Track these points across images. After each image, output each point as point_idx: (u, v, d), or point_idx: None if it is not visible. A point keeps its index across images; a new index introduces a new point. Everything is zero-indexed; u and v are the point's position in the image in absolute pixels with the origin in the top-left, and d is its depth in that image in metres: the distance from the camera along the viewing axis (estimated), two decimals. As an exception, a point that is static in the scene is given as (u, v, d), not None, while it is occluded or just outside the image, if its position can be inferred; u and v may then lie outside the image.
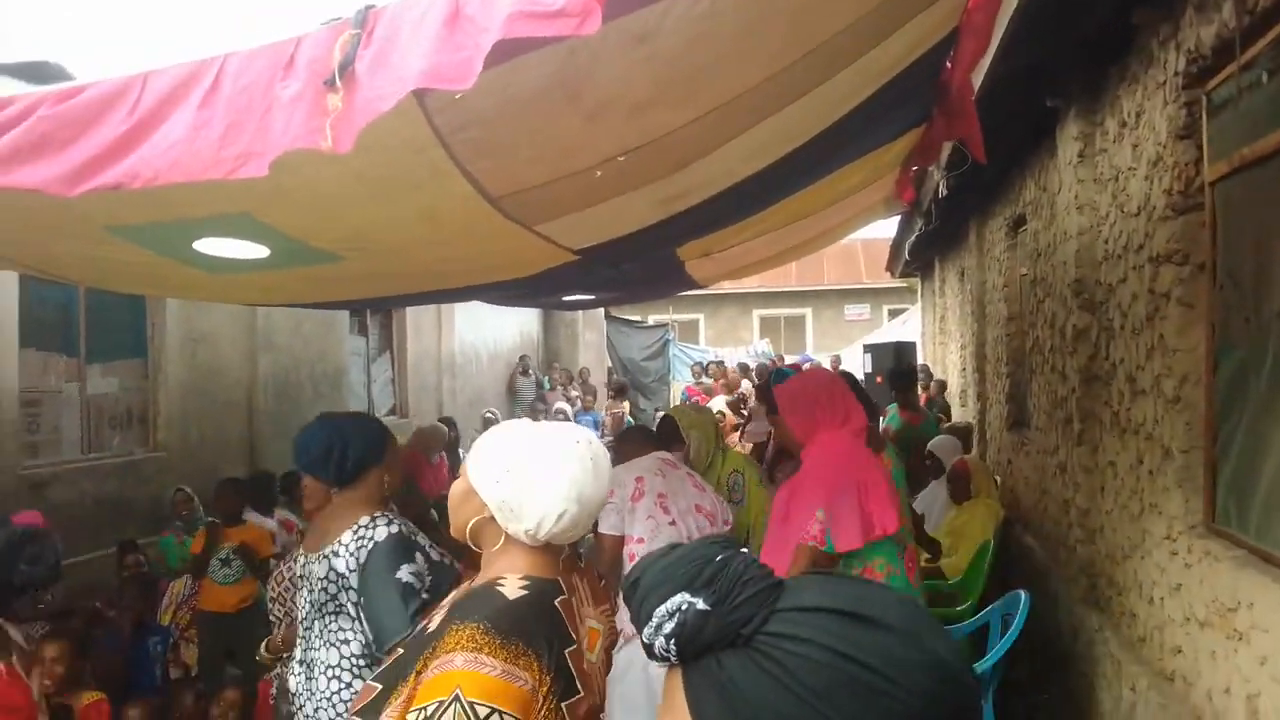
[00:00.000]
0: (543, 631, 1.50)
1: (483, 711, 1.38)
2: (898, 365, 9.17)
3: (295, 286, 4.31)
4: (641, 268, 5.34)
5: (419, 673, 1.47)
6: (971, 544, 4.90)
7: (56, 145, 1.80)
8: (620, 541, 3.17)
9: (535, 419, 12.01)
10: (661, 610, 1.36)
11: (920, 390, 9.27)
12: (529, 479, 1.57)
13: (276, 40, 1.78)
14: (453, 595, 1.71)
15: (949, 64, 3.44)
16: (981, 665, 3.65)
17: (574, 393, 14.31)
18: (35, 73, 6.08)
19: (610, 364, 18.01)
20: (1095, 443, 4.14)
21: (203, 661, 4.98)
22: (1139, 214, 3.49)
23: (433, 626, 1.58)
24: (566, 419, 11.55)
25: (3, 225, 2.58)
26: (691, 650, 1.33)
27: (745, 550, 1.45)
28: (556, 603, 1.57)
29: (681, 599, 1.35)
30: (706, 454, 4.06)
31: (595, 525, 3.27)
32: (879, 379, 9.27)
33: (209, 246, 2.95)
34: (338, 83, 1.66)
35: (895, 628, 1.04)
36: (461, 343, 12.88)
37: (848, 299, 24.98)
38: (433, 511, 5.76)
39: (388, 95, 1.61)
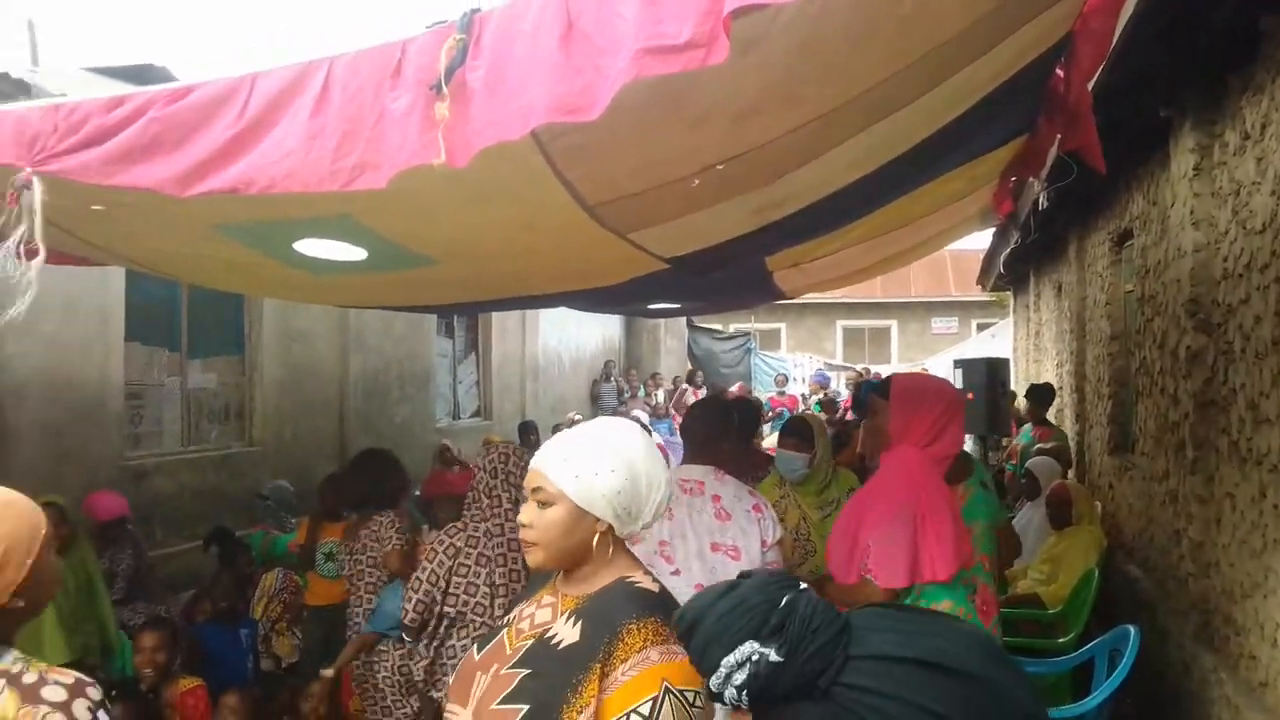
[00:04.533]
0: None
1: (690, 696, 1.48)
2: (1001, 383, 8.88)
3: (388, 290, 4.37)
4: (730, 277, 5.27)
5: (600, 678, 1.49)
6: (1072, 572, 4.68)
7: (168, 146, 1.83)
8: None
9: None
10: (730, 660, 1.29)
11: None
12: (638, 474, 1.63)
13: (380, 44, 1.78)
14: (552, 604, 1.69)
15: (1060, 71, 3.29)
16: (1089, 703, 3.48)
17: (659, 399, 14.24)
18: (140, 76, 6.31)
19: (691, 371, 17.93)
20: (1211, 472, 3.91)
21: (308, 653, 5.09)
22: (1264, 231, 3.29)
23: (565, 639, 1.57)
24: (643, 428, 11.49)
25: (116, 222, 2.66)
26: (765, 700, 1.25)
27: (806, 588, 1.39)
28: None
29: (751, 648, 1.29)
30: (827, 467, 3.94)
31: None
32: (969, 395, 8.95)
33: (308, 247, 3.00)
34: (444, 90, 1.65)
35: (977, 677, 0.98)
36: (545, 347, 12.96)
37: (935, 312, 24.43)
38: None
39: (512, 124, 1.59)
